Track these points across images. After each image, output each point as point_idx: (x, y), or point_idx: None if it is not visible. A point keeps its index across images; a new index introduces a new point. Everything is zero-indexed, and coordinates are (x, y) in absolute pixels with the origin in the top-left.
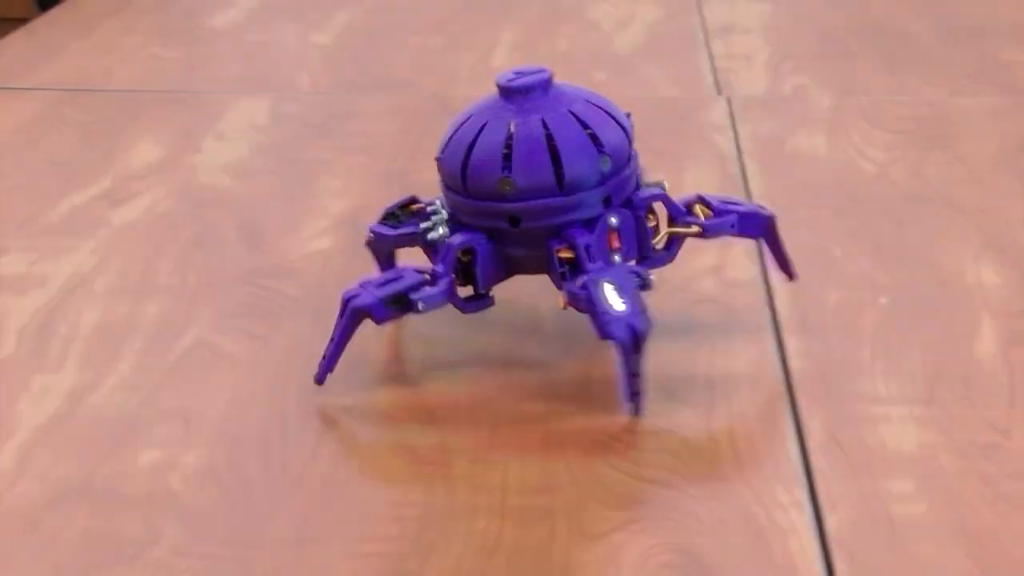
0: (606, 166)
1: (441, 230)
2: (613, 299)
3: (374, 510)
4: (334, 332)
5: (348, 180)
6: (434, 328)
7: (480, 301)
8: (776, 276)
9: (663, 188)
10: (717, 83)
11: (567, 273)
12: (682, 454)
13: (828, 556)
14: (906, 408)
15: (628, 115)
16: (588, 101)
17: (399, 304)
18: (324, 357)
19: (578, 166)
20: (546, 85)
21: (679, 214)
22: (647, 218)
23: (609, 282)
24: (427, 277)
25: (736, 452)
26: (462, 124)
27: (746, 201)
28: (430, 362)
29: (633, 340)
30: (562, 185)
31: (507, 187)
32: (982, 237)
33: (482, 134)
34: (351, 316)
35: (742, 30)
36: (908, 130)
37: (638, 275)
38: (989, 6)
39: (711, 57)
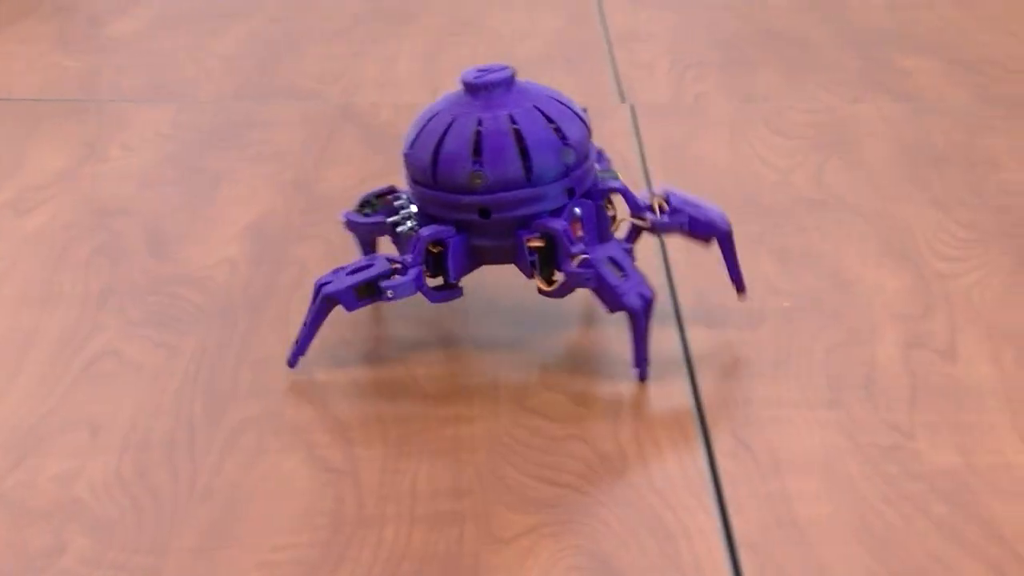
0: (569, 158)
1: (410, 223)
2: (619, 272)
3: (284, 519)
4: (306, 317)
5: (254, 189)
6: (340, 336)
7: (450, 292)
8: (680, 282)
9: (616, 177)
10: (620, 91)
11: (536, 261)
12: (590, 459)
13: (735, 558)
14: (810, 411)
15: (584, 110)
16: (550, 96)
17: (369, 292)
18: (296, 342)
19: (545, 158)
20: (510, 82)
21: (637, 207)
22: (606, 207)
23: (610, 258)
24: (397, 266)
25: (644, 456)
26: (429, 120)
27: (710, 206)
28: (337, 370)
29: (645, 307)
30: (530, 177)
31: (478, 180)
32: (882, 241)
33: (451, 129)
34: (322, 303)
35: (645, 38)
36: (808, 136)
37: (628, 250)
38: (886, 14)
39: (614, 65)
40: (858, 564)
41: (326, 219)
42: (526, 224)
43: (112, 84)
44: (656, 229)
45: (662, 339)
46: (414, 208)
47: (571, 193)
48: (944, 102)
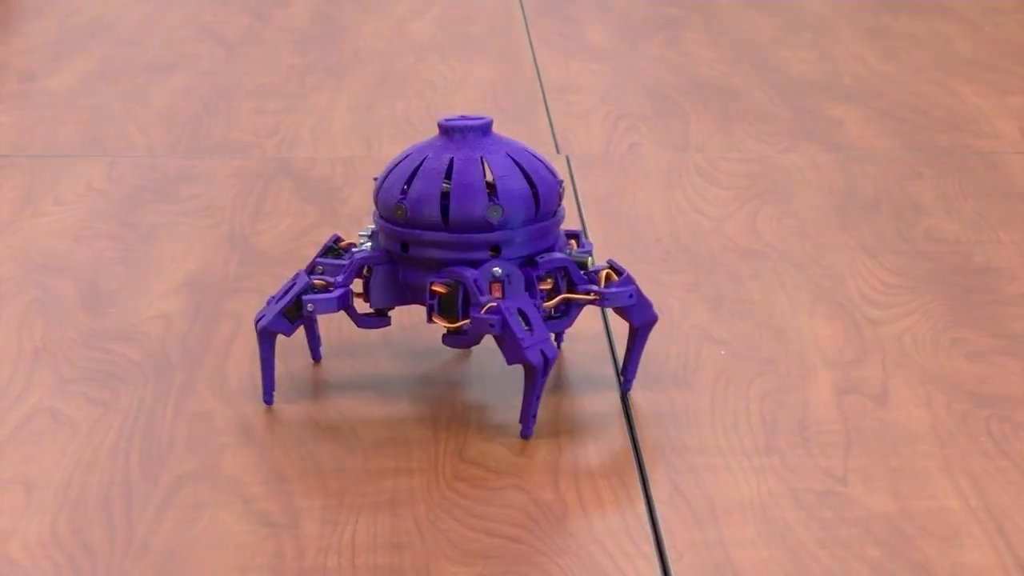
0: (497, 215)
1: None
2: (526, 325)
3: (223, 574)
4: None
5: (189, 243)
6: (276, 387)
7: (376, 319)
8: (617, 330)
9: (583, 251)
10: (556, 142)
11: (435, 306)
12: (530, 509)
13: None
14: (745, 457)
15: (560, 183)
16: (508, 154)
17: (298, 310)
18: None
19: (465, 207)
20: (487, 128)
21: (580, 281)
22: (544, 281)
23: (521, 310)
24: (324, 284)
25: (583, 505)
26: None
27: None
28: (274, 423)
29: (544, 365)
30: (447, 222)
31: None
32: (815, 289)
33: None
34: (261, 338)
35: (579, 90)
36: (741, 186)
37: (537, 308)
38: (814, 64)
39: (549, 116)
40: None
41: (262, 272)
42: (438, 269)
43: (45, 139)
44: (604, 302)
45: (600, 386)
46: (378, 239)
47: (496, 251)
48: (872, 150)
